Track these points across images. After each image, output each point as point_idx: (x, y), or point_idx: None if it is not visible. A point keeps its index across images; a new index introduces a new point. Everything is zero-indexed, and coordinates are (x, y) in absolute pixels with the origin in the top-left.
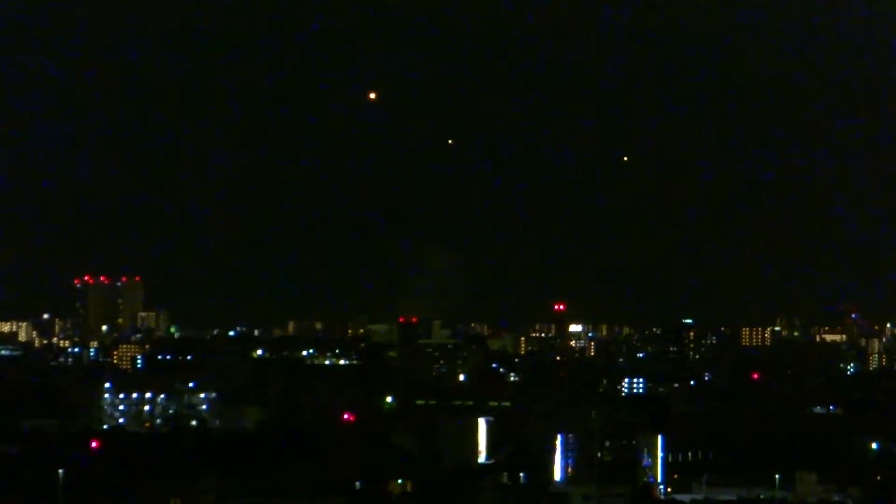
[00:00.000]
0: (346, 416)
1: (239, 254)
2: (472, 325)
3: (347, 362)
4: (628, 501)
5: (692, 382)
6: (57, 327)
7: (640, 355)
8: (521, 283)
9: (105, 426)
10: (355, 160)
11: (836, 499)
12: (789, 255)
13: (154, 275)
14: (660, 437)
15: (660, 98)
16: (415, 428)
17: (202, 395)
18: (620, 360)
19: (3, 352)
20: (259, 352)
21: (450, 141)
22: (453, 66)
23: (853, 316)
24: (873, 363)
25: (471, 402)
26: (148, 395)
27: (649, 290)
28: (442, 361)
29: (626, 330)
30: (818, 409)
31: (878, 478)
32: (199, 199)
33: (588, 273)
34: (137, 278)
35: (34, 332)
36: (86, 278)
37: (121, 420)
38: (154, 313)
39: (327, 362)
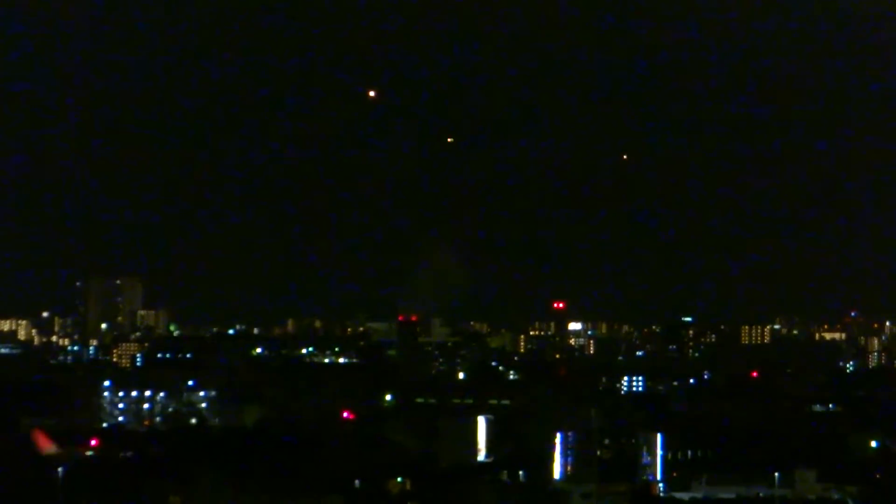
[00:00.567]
0: (345, 415)
1: (238, 252)
2: (472, 323)
3: (347, 360)
4: (628, 499)
5: (691, 380)
6: (56, 326)
7: (640, 353)
8: (521, 282)
9: (104, 424)
10: (354, 158)
11: (836, 497)
12: (789, 253)
13: (153, 273)
14: (659, 436)
15: (658, 95)
16: (414, 426)
17: (201, 394)
18: (620, 358)
19: (3, 350)
20: (258, 350)
21: (449, 139)
22: (453, 65)
23: (852, 314)
24: (873, 361)
25: (470, 401)
26: (147, 393)
27: (649, 288)
28: (441, 360)
29: (625, 328)
30: (817, 407)
31: (878, 476)
32: (198, 198)
33: (588, 271)
34: (137, 277)
35: (34, 331)
36: (85, 277)
37: (120, 418)
38: (153, 312)
39: (327, 360)
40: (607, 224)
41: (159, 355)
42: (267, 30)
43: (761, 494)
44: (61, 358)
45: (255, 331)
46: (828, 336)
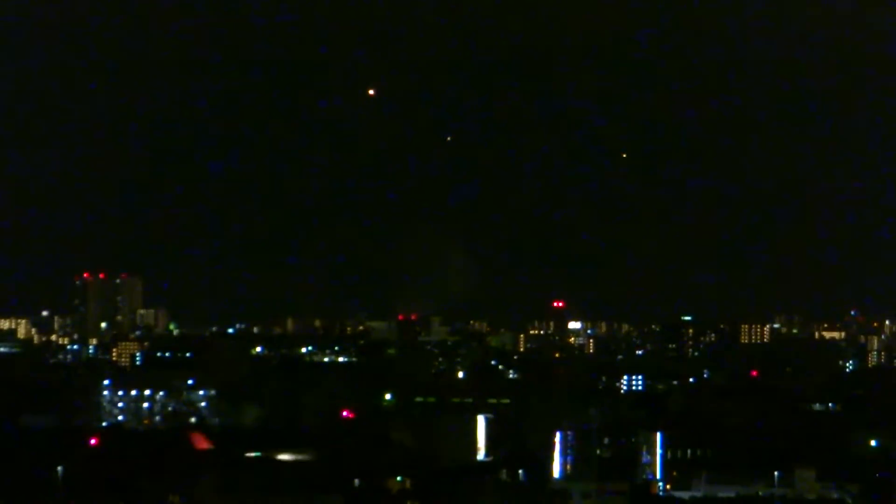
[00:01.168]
0: (345, 414)
1: (238, 251)
2: (472, 322)
3: (346, 360)
4: (627, 499)
5: (691, 380)
6: (56, 324)
7: (639, 352)
8: (521, 280)
9: (104, 423)
10: (354, 156)
11: (835, 496)
12: (788, 251)
13: (153, 272)
14: (659, 434)
15: (657, 94)
16: (414, 425)
17: (201, 393)
18: (619, 357)
19: (2, 349)
20: (258, 349)
21: (448, 137)
22: (452, 63)
23: (852, 313)
24: (872, 360)
25: (470, 400)
26: (147, 392)
27: (648, 287)
28: (441, 359)
29: (625, 327)
30: (817, 406)
31: (877, 475)
32: (198, 197)
33: (587, 270)
34: (137, 275)
35: (33, 330)
36: (85, 275)
37: (120, 417)
38: (153, 310)
39: (326, 360)
40: (608, 222)
41: (159, 354)
42: (264, 28)
43: (761, 493)
44: (60, 357)
45: (255, 330)
46: (828, 335)
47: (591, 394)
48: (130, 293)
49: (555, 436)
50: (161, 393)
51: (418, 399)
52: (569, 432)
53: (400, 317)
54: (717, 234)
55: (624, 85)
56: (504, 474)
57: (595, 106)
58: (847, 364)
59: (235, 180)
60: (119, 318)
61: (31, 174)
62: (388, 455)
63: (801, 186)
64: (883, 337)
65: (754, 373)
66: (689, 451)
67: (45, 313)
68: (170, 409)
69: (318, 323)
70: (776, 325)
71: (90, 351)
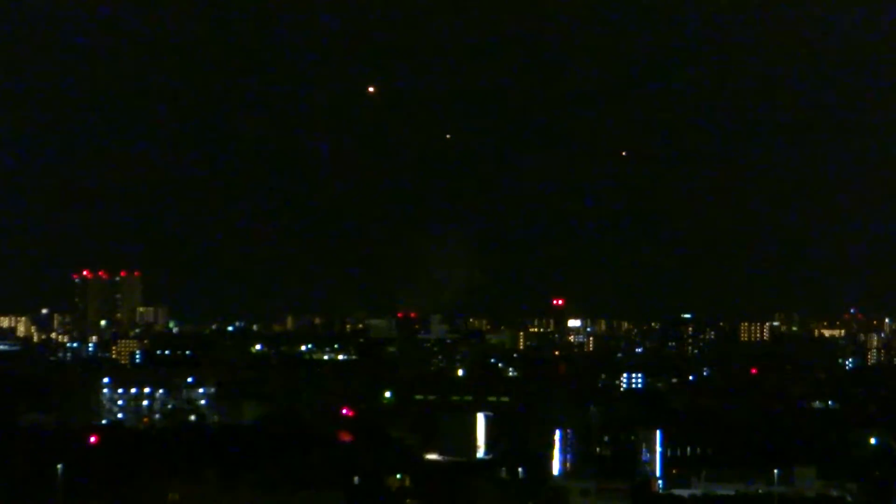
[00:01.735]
0: (344, 411)
1: (238, 249)
2: (471, 320)
3: (346, 357)
4: (627, 496)
5: (691, 377)
6: (55, 322)
7: (639, 350)
8: (521, 279)
9: (104, 421)
10: (354, 155)
11: (835, 494)
12: (788, 250)
13: (153, 270)
14: (658, 432)
15: (654, 93)
16: (413, 423)
17: (201, 390)
18: (619, 355)
19: (2, 347)
20: (258, 347)
21: (447, 136)
22: (452, 62)
23: (852, 311)
24: (872, 358)
25: (469, 398)
26: (146, 390)
27: (648, 285)
28: (441, 356)
29: (624, 325)
30: (817, 404)
31: (877, 473)
32: (197, 195)
33: (587, 268)
34: (136, 273)
35: (33, 327)
36: (84, 273)
37: (119, 415)
38: (153, 308)
39: (326, 357)
40: (607, 221)
41: (159, 352)
42: (263, 27)
43: (760, 491)
44: (60, 355)
45: (255, 327)
46: (827, 333)
47: (590, 391)
48: (130, 291)
49: (554, 433)
50: (161, 391)
51: (418, 396)
52: (568, 430)
53: (400, 314)
54: (717, 233)
55: (625, 85)
56: (504, 472)
57: (597, 106)
58: (846, 362)
59: (235, 180)
60: (119, 315)
61: (32, 172)
62: (388, 453)
63: (801, 186)
64: (882, 335)
65: (754, 371)
66: (688, 449)
67: (44, 311)
68: (170, 407)
69: (317, 320)
70: (776, 323)
71: (90, 349)
